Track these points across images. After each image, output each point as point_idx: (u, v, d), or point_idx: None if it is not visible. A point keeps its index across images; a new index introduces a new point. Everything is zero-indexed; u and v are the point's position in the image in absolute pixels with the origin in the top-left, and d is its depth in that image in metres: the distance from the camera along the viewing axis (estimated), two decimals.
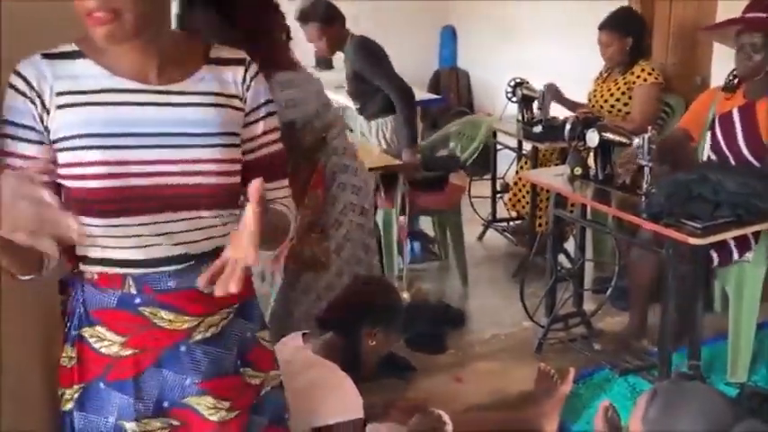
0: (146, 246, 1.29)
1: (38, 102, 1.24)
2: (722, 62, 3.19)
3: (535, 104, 4.02)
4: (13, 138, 1.25)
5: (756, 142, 2.76)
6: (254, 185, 1.08)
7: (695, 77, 4.01)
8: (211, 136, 1.30)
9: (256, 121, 1.37)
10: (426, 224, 4.20)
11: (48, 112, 1.24)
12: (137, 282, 1.30)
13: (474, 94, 6.10)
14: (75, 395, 1.35)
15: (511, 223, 4.45)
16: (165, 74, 1.28)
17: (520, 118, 4.09)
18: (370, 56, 3.60)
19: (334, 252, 2.63)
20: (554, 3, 4.82)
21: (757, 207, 2.47)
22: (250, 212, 1.09)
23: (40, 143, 1.25)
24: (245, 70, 1.36)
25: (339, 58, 5.74)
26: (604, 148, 2.89)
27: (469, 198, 4.26)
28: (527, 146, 4.12)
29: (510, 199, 4.26)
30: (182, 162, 1.27)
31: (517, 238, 4.21)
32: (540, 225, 3.89)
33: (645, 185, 2.67)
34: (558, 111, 3.95)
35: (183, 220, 1.30)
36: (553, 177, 3.09)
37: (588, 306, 3.29)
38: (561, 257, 3.23)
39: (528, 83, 4.07)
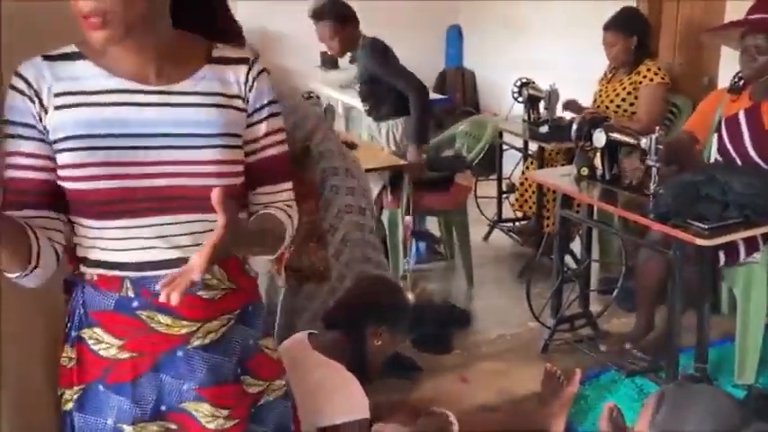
0: (144, 248, 1.27)
1: (36, 100, 1.24)
2: (730, 63, 3.18)
3: (541, 104, 4.02)
4: (15, 136, 1.25)
5: (763, 144, 2.75)
6: (215, 194, 1.08)
7: (702, 78, 4.00)
8: (212, 137, 1.28)
9: (259, 121, 1.35)
10: (432, 224, 4.20)
11: (45, 111, 1.24)
12: (134, 285, 1.29)
13: (480, 94, 6.08)
14: (75, 396, 1.35)
15: (517, 223, 4.44)
16: (164, 74, 1.27)
17: (526, 118, 4.09)
18: (384, 56, 3.60)
19: (333, 257, 2.61)
20: (560, 3, 4.81)
21: (765, 208, 2.46)
22: (219, 223, 1.09)
23: (42, 141, 1.25)
24: (248, 70, 1.33)
25: (343, 58, 5.77)
26: (611, 148, 2.88)
27: (475, 198, 4.25)
28: (533, 146, 4.11)
29: (516, 199, 4.25)
30: (181, 163, 1.26)
31: (523, 239, 4.20)
32: (546, 225, 3.88)
33: (652, 186, 2.67)
34: (563, 111, 3.94)
35: (182, 222, 1.28)
36: (560, 178, 3.08)
37: (594, 307, 3.28)
38: (567, 258, 3.22)
39: (534, 83, 4.07)
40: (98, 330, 1.33)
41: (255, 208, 1.38)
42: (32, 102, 1.24)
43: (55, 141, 1.24)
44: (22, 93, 1.24)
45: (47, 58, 1.26)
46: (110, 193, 1.24)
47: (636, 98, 3.67)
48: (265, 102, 1.35)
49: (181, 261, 1.26)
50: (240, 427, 1.38)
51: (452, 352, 3.13)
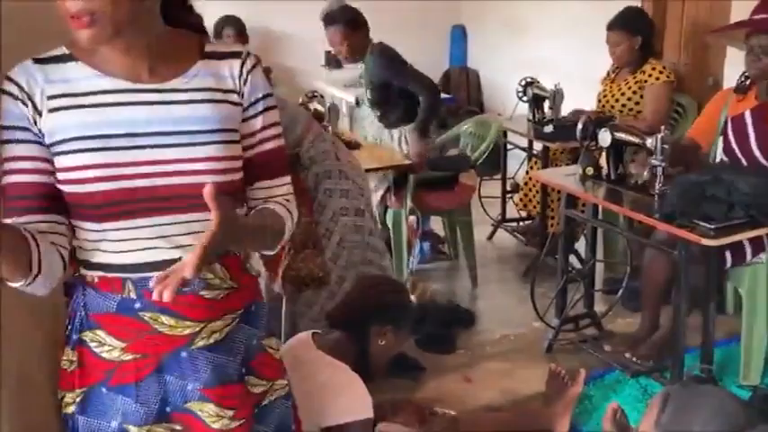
0: (145, 249, 1.26)
1: (29, 104, 1.22)
2: (735, 63, 3.16)
3: (546, 104, 4.01)
4: (11, 141, 1.23)
5: None
6: (207, 190, 1.07)
7: (707, 78, 3.99)
8: (209, 133, 1.27)
9: (255, 115, 1.34)
10: (436, 224, 4.20)
11: (39, 115, 1.23)
12: (136, 286, 1.28)
13: (484, 93, 6.08)
14: (78, 399, 1.33)
15: (521, 223, 4.43)
16: (157, 72, 1.26)
17: (530, 117, 4.08)
18: (395, 60, 3.61)
19: (331, 260, 2.60)
20: (564, 2, 4.80)
21: None
22: (213, 220, 1.08)
23: (38, 143, 1.23)
24: (242, 63, 1.32)
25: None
26: (617, 148, 2.87)
27: (479, 198, 4.24)
28: (537, 146, 4.11)
29: (521, 199, 4.25)
30: (179, 161, 1.25)
31: (527, 239, 4.19)
32: (551, 225, 3.87)
33: (658, 186, 2.66)
34: (567, 110, 3.94)
35: (183, 222, 1.27)
36: (564, 177, 3.07)
37: (599, 307, 3.27)
38: (572, 258, 3.22)
39: (539, 82, 4.06)
40: (100, 333, 1.31)
41: (254, 203, 1.37)
42: (25, 105, 1.22)
43: (51, 144, 1.23)
44: (14, 97, 1.22)
45: (37, 61, 1.24)
46: (109, 195, 1.23)
47: (641, 97, 3.66)
48: (260, 95, 1.34)
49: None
50: (245, 428, 1.37)
51: (456, 352, 3.12)
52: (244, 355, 1.38)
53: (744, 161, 2.80)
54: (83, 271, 1.31)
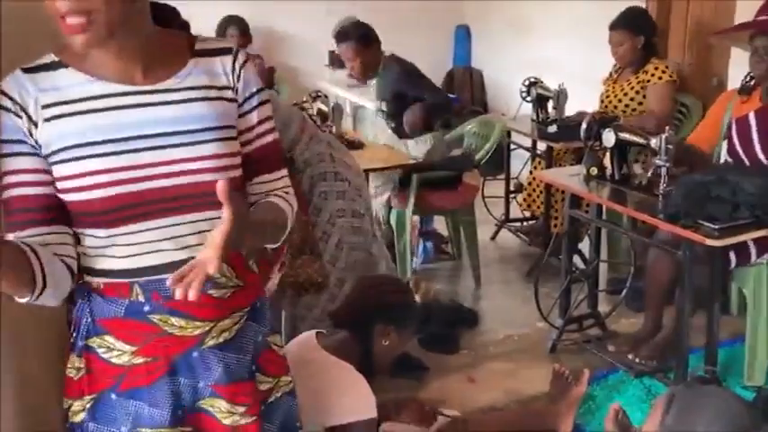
0: (152, 252, 1.26)
1: (23, 115, 1.21)
2: (739, 63, 3.16)
3: (550, 104, 4.00)
4: (8, 155, 1.22)
5: None
6: (220, 188, 1.06)
7: (712, 78, 3.98)
8: (207, 131, 1.26)
9: (251, 110, 1.34)
10: (439, 224, 4.20)
11: (35, 126, 1.21)
12: (144, 289, 1.28)
13: (488, 93, 6.08)
14: (87, 405, 1.32)
15: (524, 223, 4.43)
16: (151, 73, 1.25)
17: (534, 117, 4.08)
18: (410, 72, 3.65)
19: (329, 263, 2.59)
20: (569, 2, 4.80)
21: None
22: (226, 216, 1.07)
23: (36, 155, 1.22)
24: (234, 59, 1.32)
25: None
26: (621, 148, 2.87)
27: (483, 198, 4.24)
28: (541, 146, 4.10)
29: (525, 199, 4.24)
30: (180, 161, 1.24)
31: (530, 239, 4.19)
32: (554, 225, 3.87)
33: (662, 186, 2.65)
34: (571, 110, 3.93)
35: (188, 222, 1.27)
36: (569, 177, 3.07)
37: (603, 307, 3.27)
38: (575, 258, 3.21)
39: (542, 82, 4.06)
40: (108, 338, 1.30)
41: (255, 198, 1.37)
42: (19, 117, 1.21)
43: (49, 154, 1.22)
44: (7, 110, 1.21)
45: (26, 70, 1.23)
46: (112, 201, 1.22)
47: (644, 97, 3.66)
48: (254, 90, 1.34)
49: (190, 261, 1.25)
50: (257, 424, 1.37)
51: (460, 352, 3.12)
52: (252, 353, 1.38)
53: (747, 162, 2.79)
54: (87, 278, 1.30)
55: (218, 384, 1.34)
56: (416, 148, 3.73)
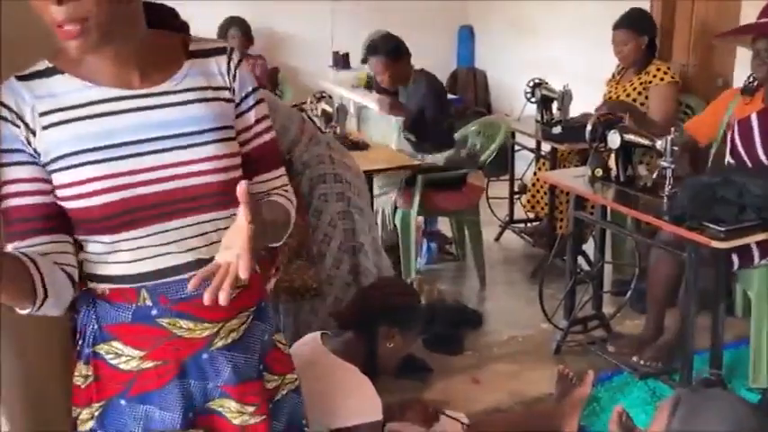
0: (157, 256, 1.25)
1: (21, 124, 1.19)
2: (745, 64, 3.15)
3: (554, 105, 4.00)
4: (7, 164, 1.20)
5: None
6: (241, 189, 1.05)
7: (717, 79, 3.97)
8: (206, 132, 1.26)
9: (248, 109, 1.33)
10: (443, 225, 4.19)
11: (33, 134, 1.20)
12: (151, 294, 1.27)
13: (491, 94, 6.07)
14: (96, 413, 1.32)
15: (528, 224, 4.42)
16: (147, 76, 1.24)
17: (539, 118, 4.08)
18: (436, 92, 3.69)
19: (333, 266, 2.58)
20: (572, 2, 4.79)
21: None
22: (242, 218, 1.07)
23: (35, 164, 1.21)
24: (229, 59, 1.31)
25: (355, 58, 5.76)
26: (626, 149, 2.87)
27: (487, 199, 4.24)
28: (545, 147, 4.10)
29: (529, 200, 4.24)
30: (180, 164, 1.24)
31: (535, 240, 4.18)
32: (559, 227, 3.87)
33: (667, 188, 2.65)
34: (576, 111, 3.93)
35: (192, 224, 1.26)
36: (573, 179, 3.07)
37: (607, 309, 3.26)
38: (580, 259, 3.21)
39: (547, 83, 4.06)
40: (116, 344, 1.30)
41: (256, 197, 1.35)
42: (17, 126, 1.19)
43: (48, 162, 1.20)
44: (4, 119, 1.19)
45: (21, 78, 1.21)
46: (115, 206, 1.21)
47: (646, 98, 3.66)
48: (250, 89, 1.34)
49: (196, 263, 1.25)
50: (266, 423, 1.37)
51: (464, 353, 3.12)
52: (260, 352, 1.39)
53: (750, 164, 2.79)
54: (91, 285, 1.29)
55: (227, 385, 1.34)
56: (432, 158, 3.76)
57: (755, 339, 2.78)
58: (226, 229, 1.21)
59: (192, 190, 1.24)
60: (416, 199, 3.52)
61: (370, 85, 5.20)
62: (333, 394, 1.94)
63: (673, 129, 2.72)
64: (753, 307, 2.80)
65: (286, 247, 2.38)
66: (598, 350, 3.04)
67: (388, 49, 3.74)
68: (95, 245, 1.25)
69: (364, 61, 5.58)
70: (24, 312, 1.17)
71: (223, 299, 1.06)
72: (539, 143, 4.20)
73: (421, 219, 3.85)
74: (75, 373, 1.33)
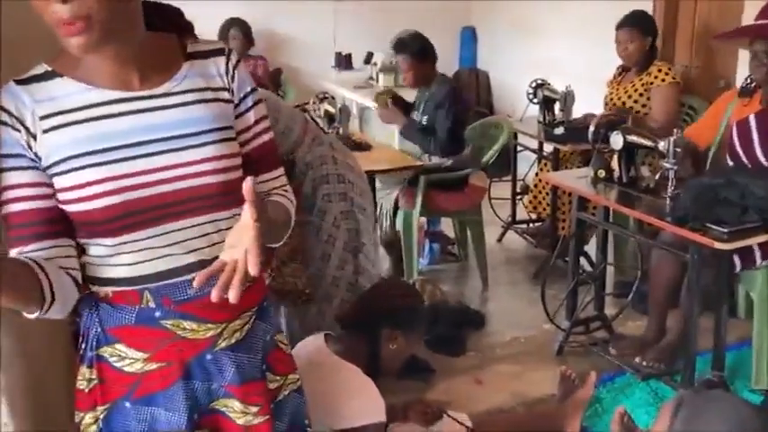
0: (159, 258, 1.25)
1: (21, 128, 1.19)
2: (747, 65, 3.15)
3: (557, 106, 4.00)
4: (8, 169, 1.19)
5: None
6: (247, 186, 1.05)
7: (719, 81, 3.97)
8: (206, 133, 1.26)
9: (247, 110, 1.33)
10: (446, 225, 4.19)
11: (34, 138, 1.19)
12: (155, 295, 1.26)
13: (494, 94, 6.07)
14: (101, 416, 1.31)
15: (531, 225, 4.43)
16: (147, 78, 1.23)
17: (541, 119, 4.08)
18: (453, 102, 3.68)
19: (339, 267, 2.58)
20: (574, 3, 4.80)
21: None
22: (247, 217, 1.06)
23: (35, 168, 1.20)
24: (227, 60, 1.31)
25: (357, 58, 5.77)
26: (629, 150, 2.87)
27: (489, 200, 4.24)
28: (548, 147, 4.10)
29: (531, 201, 4.24)
30: (181, 166, 1.23)
31: (537, 240, 4.19)
32: (561, 228, 3.87)
33: (670, 189, 2.65)
34: (578, 112, 3.93)
35: (194, 226, 1.26)
36: (576, 180, 3.07)
37: (609, 310, 3.26)
38: (582, 260, 3.21)
39: (549, 84, 4.06)
40: (119, 346, 1.30)
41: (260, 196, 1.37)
42: (18, 131, 1.19)
43: (49, 166, 1.20)
44: (4, 123, 1.19)
45: (20, 82, 1.21)
46: (118, 208, 1.20)
47: (648, 99, 3.67)
48: (248, 90, 1.34)
49: (198, 264, 1.25)
50: (269, 423, 1.38)
51: (466, 354, 3.12)
52: (263, 352, 1.39)
53: (749, 165, 2.79)
54: (94, 288, 1.28)
55: (231, 385, 1.34)
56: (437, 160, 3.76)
57: (758, 341, 2.78)
58: (227, 229, 1.21)
59: (193, 191, 1.24)
60: (419, 199, 3.52)
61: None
62: (336, 395, 1.94)
63: (675, 130, 2.71)
64: (755, 308, 2.80)
65: (279, 250, 2.37)
66: (600, 351, 3.05)
67: (415, 48, 3.76)
68: (97, 248, 1.25)
69: (367, 62, 5.59)
70: (32, 317, 1.17)
71: (233, 296, 1.05)
72: (541, 144, 4.20)
73: (423, 219, 3.86)
74: (78, 377, 1.33)
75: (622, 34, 3.71)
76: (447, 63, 6.04)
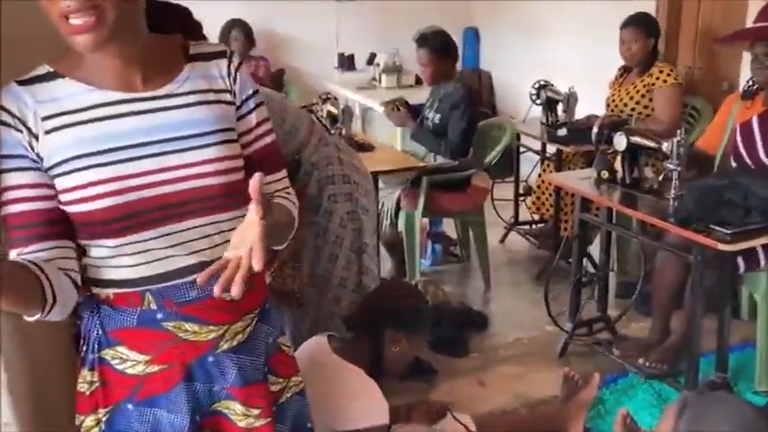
0: (161, 259, 1.25)
1: (23, 129, 1.19)
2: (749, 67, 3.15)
3: (560, 107, 4.00)
4: (9, 170, 1.19)
5: None
6: (254, 184, 1.04)
7: (722, 82, 3.97)
8: (208, 135, 1.26)
9: (249, 112, 1.34)
10: (448, 226, 4.19)
11: (36, 139, 1.19)
12: (156, 297, 1.26)
13: (496, 95, 6.07)
14: (103, 419, 1.31)
15: (533, 226, 4.42)
16: (149, 79, 1.24)
17: (544, 120, 4.08)
18: (467, 104, 3.66)
19: (345, 267, 2.58)
20: (577, 4, 4.79)
21: None
22: (253, 214, 1.06)
23: (37, 169, 1.20)
24: (229, 62, 1.32)
25: (360, 59, 5.77)
26: (632, 151, 2.86)
27: (492, 201, 4.24)
28: (551, 148, 4.10)
29: (533, 202, 4.24)
30: (182, 167, 1.23)
31: (540, 241, 4.18)
32: (564, 229, 3.86)
33: (673, 190, 2.65)
34: (581, 113, 3.93)
35: (195, 227, 1.26)
36: (579, 181, 3.07)
37: (612, 311, 3.26)
38: (585, 261, 3.20)
39: (552, 85, 4.06)
40: (121, 349, 1.29)
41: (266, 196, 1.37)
42: (20, 131, 1.18)
43: (51, 167, 1.20)
44: (6, 124, 1.18)
45: (21, 82, 1.20)
46: (119, 209, 1.20)
47: (650, 100, 3.67)
48: (250, 92, 1.34)
49: (199, 266, 1.24)
50: (270, 426, 1.37)
51: (469, 355, 3.11)
52: (265, 355, 1.39)
53: (752, 166, 2.79)
54: (95, 290, 1.28)
55: (233, 387, 1.34)
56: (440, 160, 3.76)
57: (761, 342, 2.78)
58: (229, 231, 1.21)
59: (195, 192, 1.24)
60: (421, 200, 3.52)
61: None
62: (339, 397, 1.94)
63: (679, 131, 2.71)
64: (759, 310, 2.80)
65: (281, 251, 2.37)
66: (603, 352, 3.04)
67: (436, 44, 3.75)
68: (99, 249, 1.25)
69: (369, 62, 5.59)
70: (32, 319, 1.16)
71: (236, 292, 1.05)
72: (544, 145, 4.20)
73: (425, 220, 3.85)
74: (79, 380, 1.33)
75: (626, 34, 3.72)
76: None
